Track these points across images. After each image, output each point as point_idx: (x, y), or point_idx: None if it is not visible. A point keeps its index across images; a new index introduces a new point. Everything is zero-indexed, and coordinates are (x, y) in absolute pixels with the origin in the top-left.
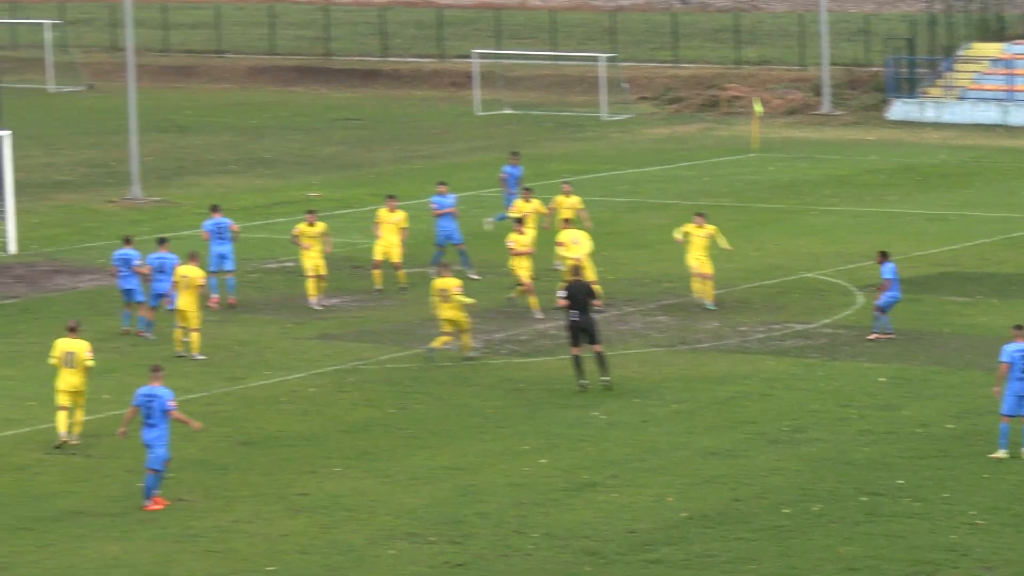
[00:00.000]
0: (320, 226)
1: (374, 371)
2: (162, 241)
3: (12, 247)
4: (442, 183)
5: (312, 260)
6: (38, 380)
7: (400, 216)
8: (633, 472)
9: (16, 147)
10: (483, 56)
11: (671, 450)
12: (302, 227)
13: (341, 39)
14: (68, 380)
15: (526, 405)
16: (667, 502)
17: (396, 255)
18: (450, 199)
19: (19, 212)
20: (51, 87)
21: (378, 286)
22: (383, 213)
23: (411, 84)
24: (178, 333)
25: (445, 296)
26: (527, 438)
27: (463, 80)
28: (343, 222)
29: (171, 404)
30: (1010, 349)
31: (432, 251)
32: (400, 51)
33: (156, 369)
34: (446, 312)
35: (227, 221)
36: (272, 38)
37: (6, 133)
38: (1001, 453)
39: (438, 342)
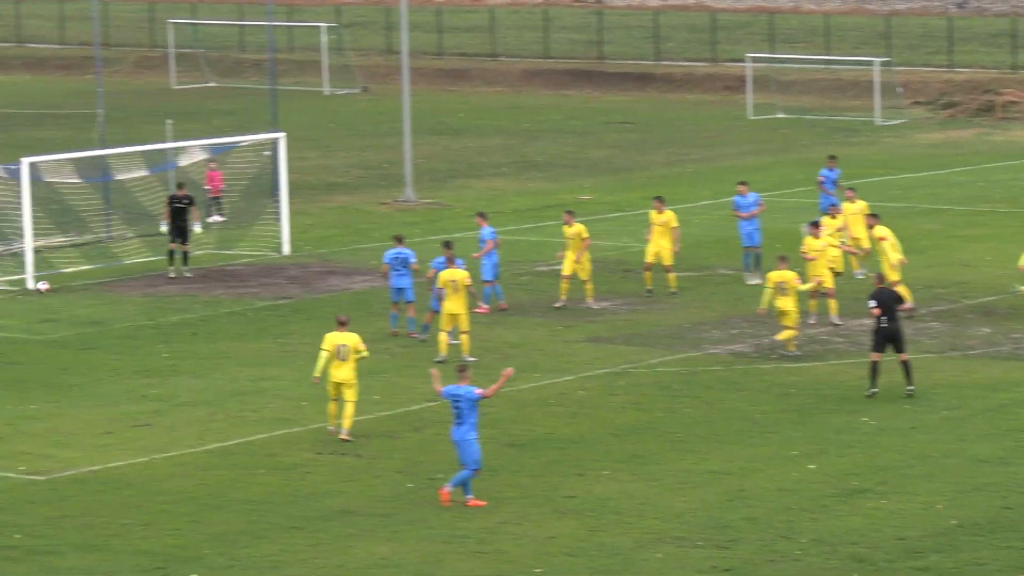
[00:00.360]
0: (577, 227)
1: (644, 374)
2: (447, 244)
3: (286, 248)
4: (742, 183)
5: (568, 262)
6: (310, 380)
7: (669, 216)
8: (902, 479)
9: (291, 149)
10: (756, 60)
11: (941, 457)
12: (566, 229)
13: (614, 43)
14: (338, 373)
15: (795, 410)
16: (936, 509)
17: (667, 257)
18: (752, 198)
19: (293, 213)
20: (326, 90)
21: (649, 287)
22: (652, 215)
23: (684, 88)
24: (443, 336)
25: (783, 289)
26: (796, 443)
27: (736, 84)
28: (614, 225)
29: (478, 392)
30: None
31: (712, 252)
32: (673, 55)
33: (462, 369)
34: (783, 304)
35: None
36: (546, 41)
37: (281, 135)
38: None
39: (783, 335)
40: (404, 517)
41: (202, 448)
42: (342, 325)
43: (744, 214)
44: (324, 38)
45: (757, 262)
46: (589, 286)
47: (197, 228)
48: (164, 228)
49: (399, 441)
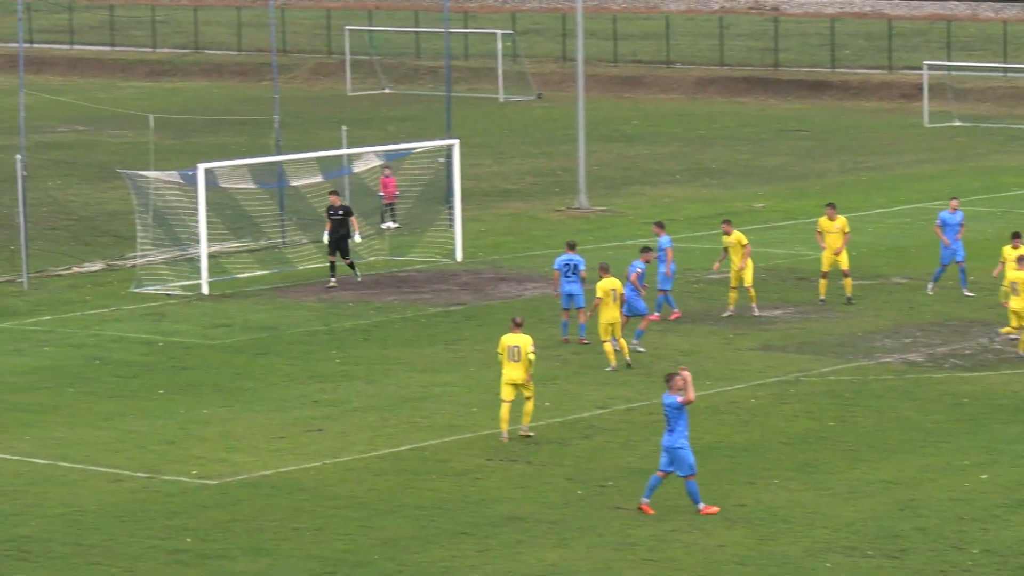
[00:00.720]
0: (736, 235)
1: (815, 383)
2: (645, 250)
3: (459, 255)
4: (954, 198)
5: (733, 271)
6: (481, 386)
7: (841, 223)
8: None
9: (465, 155)
10: (933, 68)
11: None
12: (725, 238)
13: (790, 50)
14: (511, 373)
15: (968, 420)
16: None
17: (844, 262)
18: (959, 216)
19: (466, 220)
20: (501, 96)
21: (822, 297)
22: (823, 222)
23: (859, 95)
24: (609, 346)
25: (1016, 289)
26: (968, 453)
27: (912, 92)
28: (787, 233)
29: (680, 400)
30: None
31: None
32: (849, 62)
33: (670, 377)
34: (1016, 304)
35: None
36: (721, 49)
37: (455, 142)
38: None
39: (1007, 330)
40: (574, 524)
41: (373, 453)
42: (517, 326)
43: (948, 235)
44: (500, 45)
45: (963, 276)
46: (752, 292)
47: (357, 238)
48: (326, 239)
49: (569, 448)
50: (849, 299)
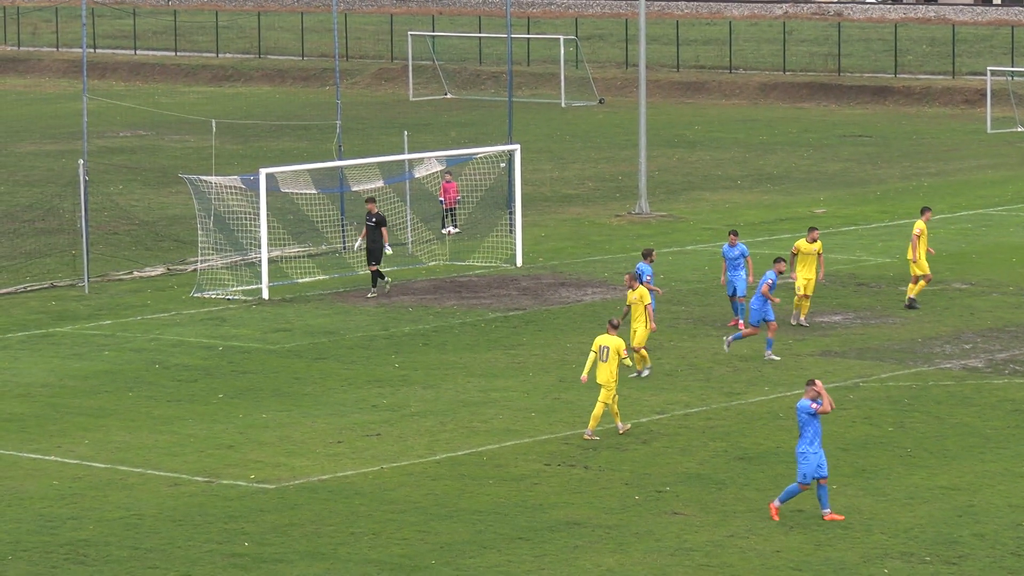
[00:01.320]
0: (818, 244)
1: (874, 388)
2: (778, 260)
3: (519, 260)
4: None
5: (804, 278)
6: (540, 391)
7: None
8: None
9: (527, 161)
10: (996, 73)
11: None
12: (800, 243)
13: (852, 55)
14: (599, 374)
15: None
16: None
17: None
18: None
19: (527, 225)
20: (563, 102)
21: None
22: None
23: (922, 101)
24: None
25: None
26: None
27: (975, 98)
28: (848, 239)
29: (812, 407)
30: None
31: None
32: (912, 68)
33: (809, 383)
34: None
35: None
36: (784, 54)
37: (516, 147)
38: None
39: None
40: (631, 529)
41: (431, 458)
42: (613, 328)
43: None
44: (562, 50)
45: None
46: (806, 303)
47: (388, 250)
48: (357, 246)
49: (627, 453)
50: (911, 304)
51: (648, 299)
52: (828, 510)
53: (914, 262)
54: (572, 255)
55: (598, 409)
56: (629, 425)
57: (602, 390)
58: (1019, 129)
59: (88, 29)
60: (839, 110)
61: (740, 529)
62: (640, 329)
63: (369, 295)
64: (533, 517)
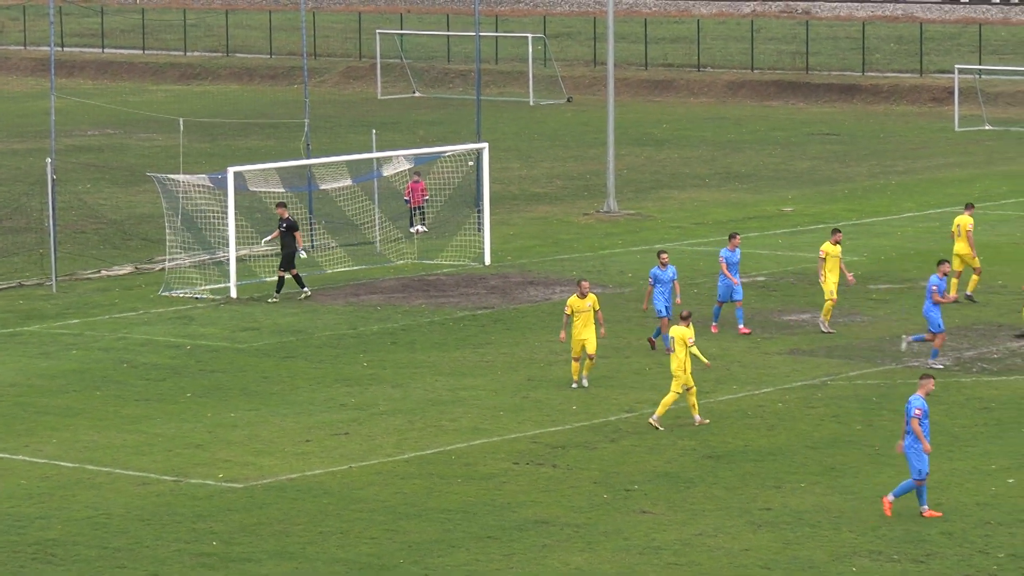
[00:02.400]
0: (837, 249)
1: (843, 387)
2: (942, 262)
3: (487, 258)
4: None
5: (832, 282)
6: (508, 390)
7: (838, 249)
8: None
9: (495, 159)
10: (964, 72)
11: None
12: (827, 247)
13: (820, 54)
14: (673, 363)
15: (995, 424)
16: None
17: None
18: None
19: (495, 224)
20: (532, 100)
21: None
22: (827, 247)
23: (889, 99)
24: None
25: None
26: (995, 457)
27: (943, 96)
28: (816, 237)
29: (915, 412)
30: None
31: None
32: (880, 66)
33: (924, 377)
34: None
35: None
36: (752, 52)
37: (484, 145)
38: None
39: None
40: (600, 528)
41: (400, 457)
42: (683, 320)
43: None
44: (531, 48)
45: None
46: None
47: (302, 254)
48: (264, 241)
49: (595, 452)
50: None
51: (598, 306)
52: (926, 507)
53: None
54: (540, 254)
55: (669, 398)
56: (707, 421)
57: (673, 380)
58: (987, 127)
59: (56, 27)
60: (807, 108)
61: (708, 528)
62: (592, 337)
63: (271, 300)
64: (502, 516)
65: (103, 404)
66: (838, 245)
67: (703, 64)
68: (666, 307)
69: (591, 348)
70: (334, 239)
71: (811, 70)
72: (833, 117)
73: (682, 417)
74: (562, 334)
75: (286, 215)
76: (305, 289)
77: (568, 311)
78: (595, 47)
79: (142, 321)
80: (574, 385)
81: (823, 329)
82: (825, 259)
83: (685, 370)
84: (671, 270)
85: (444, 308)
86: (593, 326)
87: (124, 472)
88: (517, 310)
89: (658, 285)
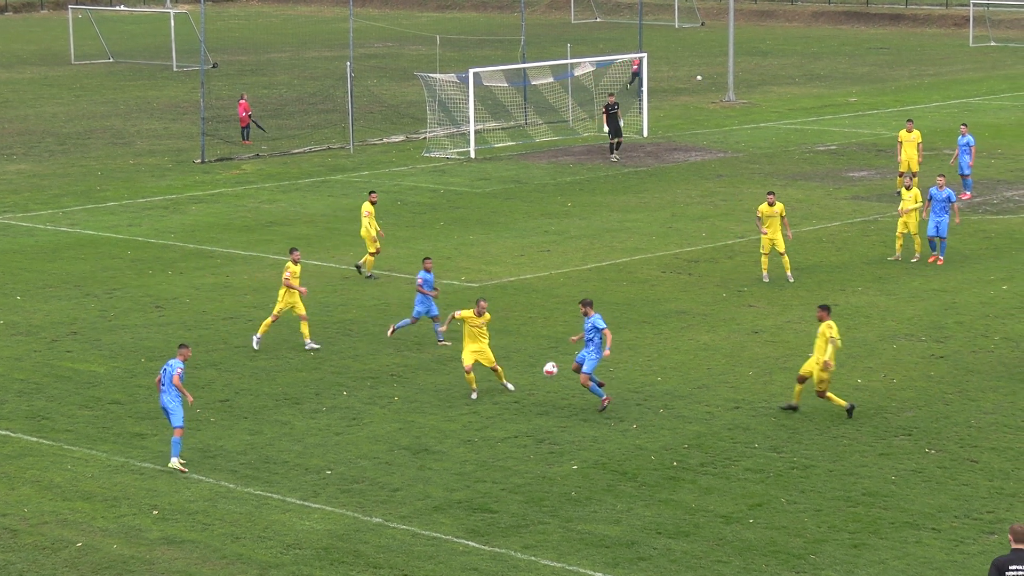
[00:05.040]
0: (779, 207)
1: (889, 221)
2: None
3: (645, 132)
4: (941, 175)
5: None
6: (658, 222)
7: (916, 135)
8: None
9: (651, 65)
10: (977, 4)
11: None
12: (902, 133)
13: None
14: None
15: (994, 249)
16: None
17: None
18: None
19: (651, 108)
20: (676, 24)
21: (899, 190)
22: (903, 134)
23: (924, 24)
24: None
25: None
26: (993, 271)
27: (961, 22)
28: (871, 119)
29: None
30: None
31: None
32: (917, 1)
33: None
34: None
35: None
36: None
37: (644, 55)
38: None
39: None
40: (720, 316)
41: (584, 267)
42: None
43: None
44: None
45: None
46: (786, 259)
47: (621, 123)
48: (606, 130)
49: (717, 264)
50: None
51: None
52: None
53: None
54: (682, 129)
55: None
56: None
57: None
58: (992, 44)
59: None
60: (866, 30)
61: (795, 317)
62: (487, 348)
63: (612, 159)
64: (653, 307)
65: (384, 229)
66: (913, 132)
67: None
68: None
69: (489, 360)
70: (540, 118)
71: (870, 4)
72: (885, 37)
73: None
74: (444, 327)
75: (613, 100)
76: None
77: (459, 316)
78: None
79: (410, 173)
80: (473, 395)
81: (765, 280)
82: (901, 144)
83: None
84: (948, 192)
85: (615, 166)
86: (487, 338)
87: (399, 275)
88: (665, 167)
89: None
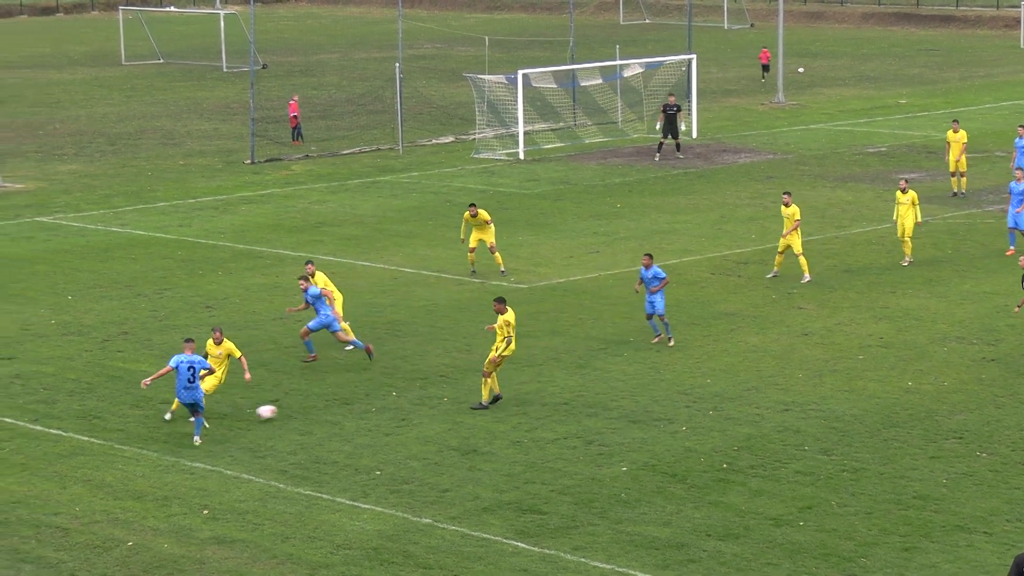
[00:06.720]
0: (792, 209)
1: (939, 224)
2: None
3: (695, 133)
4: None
5: (955, 161)
6: (707, 223)
7: (962, 135)
8: None
9: (701, 66)
10: None
11: None
12: (948, 133)
13: None
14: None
15: None
16: None
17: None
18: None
19: (700, 110)
20: (725, 25)
21: (954, 191)
22: (949, 134)
23: (975, 25)
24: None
25: None
26: None
27: (1012, 23)
28: (922, 121)
29: None
30: None
31: None
32: (968, 2)
33: None
34: None
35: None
36: None
37: (693, 56)
38: None
39: None
40: (770, 318)
41: (633, 268)
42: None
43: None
44: None
45: None
46: (803, 260)
47: (682, 127)
48: (659, 127)
49: (767, 267)
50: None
51: (237, 353)
52: None
53: None
54: (731, 131)
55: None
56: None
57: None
58: None
59: None
60: (916, 32)
61: (845, 319)
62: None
63: (656, 159)
64: (703, 309)
65: (433, 230)
66: (958, 132)
67: (845, 0)
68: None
69: (211, 386)
70: (589, 119)
71: (920, 5)
72: (935, 38)
73: (829, 244)
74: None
75: (673, 101)
76: (658, 155)
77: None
78: None
79: (459, 174)
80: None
81: (769, 275)
82: (949, 145)
83: None
84: None
85: (664, 167)
86: (224, 371)
87: (447, 276)
88: (714, 169)
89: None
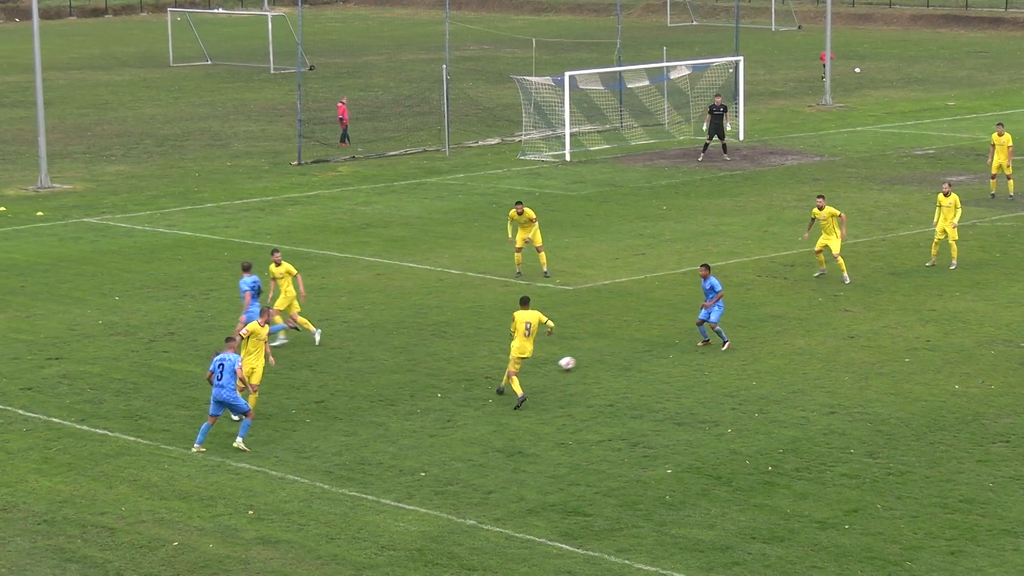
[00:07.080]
0: (828, 210)
1: (986, 227)
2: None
3: (741, 135)
4: None
5: (998, 163)
6: (754, 226)
7: (1007, 138)
8: None
9: (748, 68)
10: None
11: None
12: (993, 136)
13: None
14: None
15: None
16: None
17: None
18: None
19: (747, 112)
20: (772, 27)
21: (993, 192)
22: (994, 137)
23: None
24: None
25: None
26: None
27: None
28: (969, 123)
29: None
30: None
31: None
32: (1018, 4)
33: None
34: None
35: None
36: None
37: (740, 58)
38: None
39: None
40: (816, 321)
41: (678, 270)
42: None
43: None
44: None
45: None
46: (841, 261)
47: (728, 127)
48: (705, 127)
49: (813, 268)
50: (1010, 197)
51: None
52: None
53: None
54: (778, 133)
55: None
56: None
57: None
58: None
59: None
60: (965, 34)
61: (891, 322)
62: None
63: (699, 159)
64: (748, 311)
65: (479, 231)
66: (1004, 135)
67: (894, 2)
68: None
69: (256, 378)
70: (636, 121)
71: (969, 7)
72: (983, 40)
73: (875, 246)
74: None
75: (720, 102)
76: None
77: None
78: None
79: (505, 176)
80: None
81: (816, 274)
82: (994, 148)
83: None
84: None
85: (710, 169)
86: (264, 355)
87: (492, 277)
88: (761, 171)
89: None
